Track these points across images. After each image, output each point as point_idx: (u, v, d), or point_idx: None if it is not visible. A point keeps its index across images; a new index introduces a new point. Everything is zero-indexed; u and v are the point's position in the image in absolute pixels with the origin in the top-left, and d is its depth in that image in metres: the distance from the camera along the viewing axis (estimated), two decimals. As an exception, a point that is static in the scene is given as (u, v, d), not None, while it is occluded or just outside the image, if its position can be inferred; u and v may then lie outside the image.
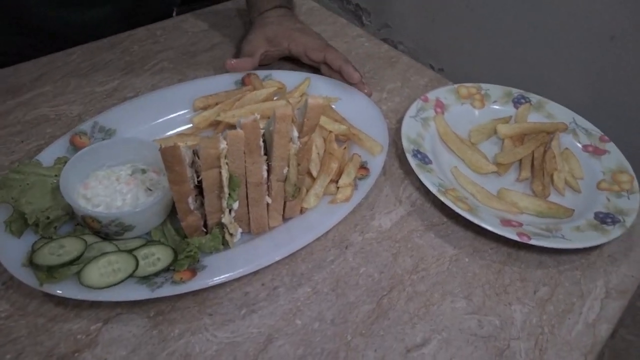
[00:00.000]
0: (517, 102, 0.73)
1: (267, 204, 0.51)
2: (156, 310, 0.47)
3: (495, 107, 0.72)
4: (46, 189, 0.50)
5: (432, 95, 0.71)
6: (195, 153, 0.46)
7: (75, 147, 0.56)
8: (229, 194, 0.48)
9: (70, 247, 0.45)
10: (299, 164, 0.50)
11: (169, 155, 0.43)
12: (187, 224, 0.49)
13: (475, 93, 0.73)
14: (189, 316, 0.47)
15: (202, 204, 0.48)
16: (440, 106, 0.70)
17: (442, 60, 1.01)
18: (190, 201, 0.47)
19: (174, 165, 0.44)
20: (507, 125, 0.69)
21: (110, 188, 0.52)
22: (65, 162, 0.51)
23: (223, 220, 0.48)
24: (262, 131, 0.47)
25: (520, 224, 0.56)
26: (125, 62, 0.74)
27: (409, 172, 0.63)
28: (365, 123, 0.64)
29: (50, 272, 0.43)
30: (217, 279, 0.46)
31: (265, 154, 0.49)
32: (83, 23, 0.79)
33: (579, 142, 0.68)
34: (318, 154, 0.58)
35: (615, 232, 0.55)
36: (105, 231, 0.48)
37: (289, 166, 0.49)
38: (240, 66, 0.68)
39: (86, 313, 0.46)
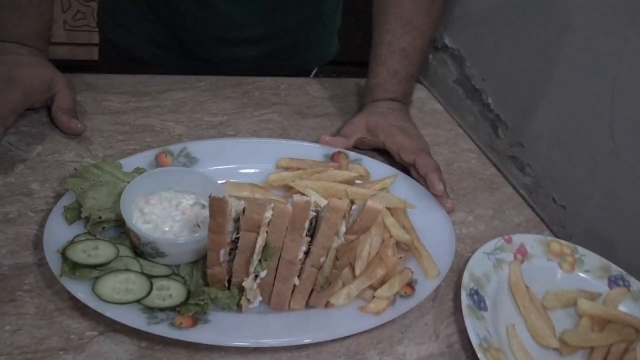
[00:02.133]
0: (613, 282, 0.64)
1: (295, 285, 0.50)
2: (149, 342, 0.47)
3: (585, 277, 0.64)
4: (114, 191, 0.54)
5: (517, 238, 0.65)
6: (243, 210, 0.46)
7: (157, 164, 0.60)
8: (259, 261, 0.47)
9: (102, 251, 0.47)
10: (337, 259, 0.48)
11: (215, 205, 0.44)
12: (212, 273, 0.48)
13: (568, 254, 0.65)
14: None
15: (232, 260, 0.48)
16: (522, 253, 0.64)
17: (568, 199, 0.89)
18: (222, 253, 0.47)
19: (217, 215, 0.44)
20: (592, 303, 0.60)
21: (166, 211, 0.54)
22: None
23: (244, 284, 0.47)
24: (314, 213, 0.46)
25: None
26: (241, 102, 0.79)
27: (459, 309, 0.57)
28: (433, 240, 0.61)
29: (74, 268, 0.45)
30: (212, 340, 0.45)
31: (311, 235, 0.48)
32: (231, 57, 0.87)
33: (673, 355, 0.57)
34: (369, 253, 0.56)
35: None
36: (142, 249, 0.50)
37: (326, 257, 0.47)
38: (333, 143, 0.69)
39: (89, 318, 0.47)
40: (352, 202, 0.52)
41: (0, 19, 0.64)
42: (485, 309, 0.56)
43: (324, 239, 0.46)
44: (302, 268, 0.49)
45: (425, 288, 0.55)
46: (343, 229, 0.46)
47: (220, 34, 0.84)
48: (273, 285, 0.50)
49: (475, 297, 0.56)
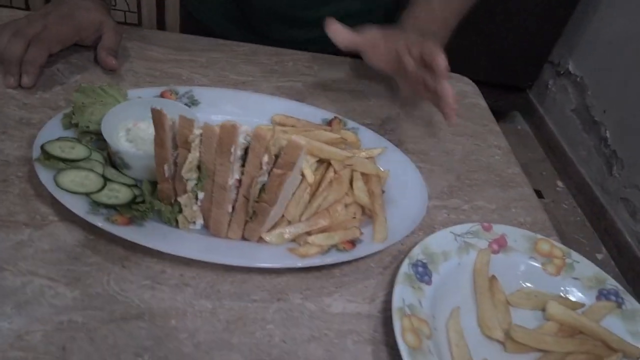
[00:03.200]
0: (603, 295, 0.56)
1: (231, 214, 0.52)
2: (95, 235, 0.52)
3: (570, 283, 0.57)
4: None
5: (499, 228, 0.60)
6: (184, 129, 0.50)
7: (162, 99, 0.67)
8: (197, 181, 0.51)
9: (76, 151, 0.55)
10: (264, 191, 0.49)
11: (156, 117, 0.48)
12: (161, 188, 0.53)
13: (557, 256, 0.59)
14: (111, 255, 0.51)
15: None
16: (500, 244, 0.59)
17: None
18: (166, 168, 0.51)
19: (158, 128, 0.49)
20: (562, 308, 0.54)
21: (150, 136, 0.60)
22: (138, 102, 0.62)
23: (179, 199, 0.51)
24: (246, 142, 0.49)
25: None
26: (271, 69, 0.84)
27: (407, 281, 0.55)
28: (401, 213, 0.59)
29: (47, 158, 0.53)
30: (134, 238, 0.49)
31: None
32: (298, 39, 0.92)
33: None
34: (319, 205, 0.56)
35: None
36: (113, 159, 0.57)
37: (252, 187, 0.49)
38: (339, 33, 0.65)
39: (55, 205, 0.54)
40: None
41: None
42: (428, 282, 0.53)
43: (251, 167, 0.49)
44: (237, 198, 0.51)
45: (365, 249, 0.54)
46: (266, 159, 0.48)
47: (285, 14, 0.90)
48: (211, 210, 0.53)
49: (420, 269, 0.54)
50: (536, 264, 0.59)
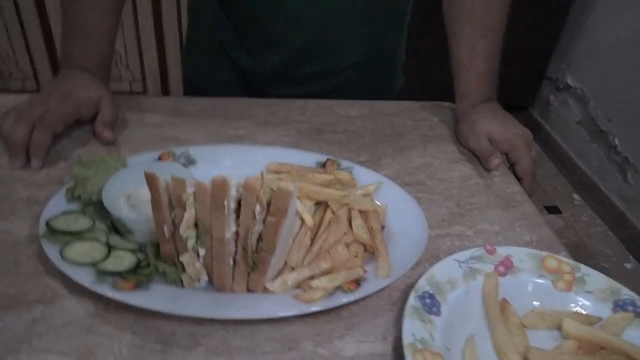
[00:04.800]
0: (620, 307, 0.55)
1: (233, 267, 0.53)
2: (105, 305, 0.53)
3: (584, 298, 0.56)
4: (113, 181, 0.63)
5: (504, 250, 0.60)
6: (180, 190, 0.52)
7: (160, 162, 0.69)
8: (196, 238, 0.52)
9: (80, 223, 0.57)
10: (261, 241, 0.50)
11: (149, 180, 0.50)
12: (164, 250, 0.54)
13: (566, 272, 0.58)
14: (121, 323, 0.52)
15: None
16: (506, 266, 0.59)
17: None
18: (166, 229, 0.53)
19: (153, 191, 0.50)
20: (578, 324, 0.53)
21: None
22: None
23: (181, 259, 0.52)
24: (237, 194, 0.50)
25: None
26: (265, 120, 0.86)
27: (416, 314, 0.55)
28: (404, 246, 0.59)
29: (53, 234, 0.55)
30: (140, 302, 0.50)
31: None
32: (294, 94, 0.96)
33: (678, 397, 0.47)
34: (321, 247, 0.57)
35: None
36: (116, 226, 0.58)
37: (248, 238, 0.50)
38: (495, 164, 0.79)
39: (64, 278, 0.55)
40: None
41: (70, 52, 0.81)
42: (437, 314, 0.53)
43: (244, 218, 0.50)
44: (236, 250, 0.52)
45: (371, 286, 0.54)
46: (258, 209, 0.49)
47: (287, 71, 0.94)
48: (213, 265, 0.54)
49: (428, 300, 0.53)
50: (545, 282, 0.58)
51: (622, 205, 2.15)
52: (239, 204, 0.51)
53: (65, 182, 0.69)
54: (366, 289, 0.54)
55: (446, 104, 0.97)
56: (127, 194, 0.62)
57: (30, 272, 0.57)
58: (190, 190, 0.49)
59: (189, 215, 0.50)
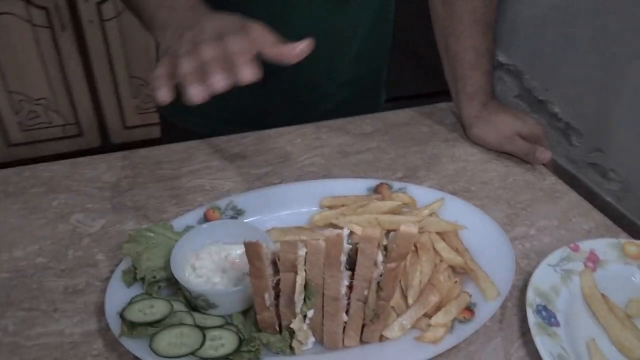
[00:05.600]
0: None
1: (345, 322, 0.49)
2: (210, 394, 0.48)
3: (673, 278, 0.58)
4: (166, 251, 0.57)
5: (586, 245, 0.60)
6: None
7: (206, 220, 0.63)
8: (304, 301, 0.47)
9: (157, 309, 0.50)
10: (381, 289, 0.47)
11: (250, 250, 0.45)
12: (262, 318, 0.49)
13: (648, 254, 0.59)
14: (235, 412, 0.47)
15: (279, 303, 0.49)
16: (593, 260, 0.59)
17: None
18: (267, 297, 0.48)
19: (254, 260, 0.45)
20: (683, 306, 0.54)
21: (216, 263, 0.56)
22: (190, 231, 0.58)
23: (292, 326, 0.47)
24: (350, 246, 0.46)
25: None
26: (284, 151, 0.82)
27: (529, 329, 0.53)
28: (491, 260, 0.58)
29: (132, 327, 0.48)
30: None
31: (353, 269, 0.47)
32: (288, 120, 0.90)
33: None
34: (420, 281, 0.54)
35: None
36: (194, 303, 0.52)
37: (369, 289, 0.46)
38: (546, 157, 0.77)
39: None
40: (388, 231, 0.51)
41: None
42: (557, 324, 0.52)
43: (363, 270, 0.46)
44: (348, 303, 0.48)
45: (485, 310, 0.52)
46: (380, 258, 0.46)
47: (284, 100, 0.88)
48: (323, 324, 0.49)
49: (544, 313, 0.52)
50: (634, 269, 0.59)
51: (571, 167, 2.30)
52: (348, 256, 0.47)
53: (99, 261, 0.61)
54: (483, 315, 0.52)
55: (444, 104, 0.97)
56: (191, 264, 0.56)
57: (107, 376, 0.49)
58: (302, 252, 0.45)
59: (300, 278, 0.45)
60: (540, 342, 0.49)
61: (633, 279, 0.58)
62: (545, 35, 2.32)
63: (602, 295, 0.56)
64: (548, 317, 0.52)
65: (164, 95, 0.49)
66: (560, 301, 0.55)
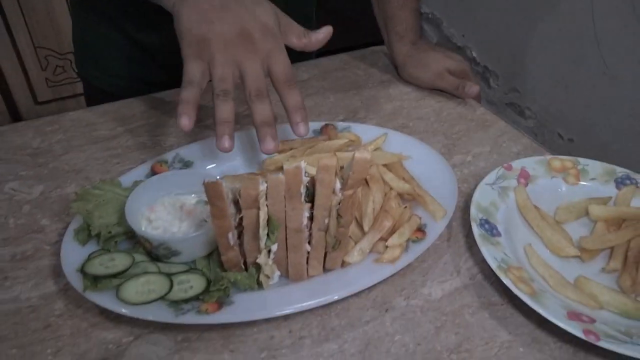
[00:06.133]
0: (620, 183, 0.64)
1: (308, 252, 0.51)
2: (183, 336, 0.48)
3: (592, 185, 0.65)
4: (118, 207, 0.55)
5: (517, 164, 0.65)
6: (239, 192, 0.48)
7: (155, 174, 0.62)
8: (268, 236, 0.48)
9: (119, 261, 0.49)
10: (340, 216, 0.49)
11: (211, 190, 0.45)
12: (227, 258, 0.50)
13: (570, 167, 0.66)
14: (212, 348, 0.48)
15: (242, 242, 0.50)
16: (524, 177, 0.65)
17: (572, 130, 0.90)
18: (230, 237, 0.48)
19: (216, 200, 0.46)
20: (603, 207, 0.61)
21: (172, 214, 0.56)
22: (140, 185, 0.57)
23: (258, 261, 0.49)
24: (307, 178, 0.48)
25: (593, 321, 0.48)
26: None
27: (475, 243, 0.58)
28: (436, 185, 0.62)
29: (96, 281, 0.47)
30: (238, 317, 0.46)
31: (311, 200, 0.49)
32: None
33: (694, 238, 0.57)
34: (374, 209, 0.57)
35: None
36: (156, 253, 0.52)
37: (329, 217, 0.48)
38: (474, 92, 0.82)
39: (122, 326, 0.49)
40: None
41: None
42: (498, 234, 0.57)
43: (322, 199, 0.48)
44: (310, 234, 0.50)
45: (434, 230, 0.56)
46: (338, 185, 0.47)
47: None
48: (287, 257, 0.51)
49: (487, 225, 0.57)
50: (559, 181, 0.65)
51: (490, 108, 2.43)
52: (306, 188, 0.48)
53: (45, 226, 0.59)
54: (433, 234, 0.56)
55: (376, 48, 0.99)
56: (146, 217, 0.55)
57: (73, 332, 0.48)
58: (263, 187, 0.46)
59: (263, 213, 0.46)
60: (486, 250, 0.53)
61: (559, 189, 0.64)
62: (460, -18, 2.39)
63: (535, 206, 0.62)
64: (490, 229, 0.57)
65: (188, 124, 0.53)
66: (499, 215, 0.60)
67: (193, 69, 0.55)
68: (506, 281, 0.50)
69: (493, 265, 0.52)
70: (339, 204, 0.49)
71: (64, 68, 2.12)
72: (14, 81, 2.08)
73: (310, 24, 1.02)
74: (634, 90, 0.70)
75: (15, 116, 2.16)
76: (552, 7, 1.03)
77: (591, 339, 0.45)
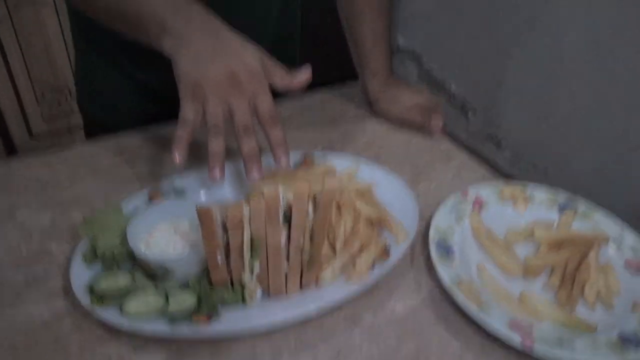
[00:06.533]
0: (562, 208, 0.73)
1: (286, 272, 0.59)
2: (177, 345, 0.55)
3: (538, 210, 0.73)
4: (120, 231, 0.63)
5: (472, 191, 0.74)
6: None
7: (152, 201, 0.69)
8: (251, 255, 0.56)
9: (121, 280, 0.57)
10: (313, 235, 0.57)
11: (203, 214, 0.53)
12: (216, 278, 0.57)
13: (519, 195, 0.75)
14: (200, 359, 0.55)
15: (229, 262, 0.57)
16: (479, 203, 0.73)
17: (546, 160, 0.93)
18: (219, 257, 0.56)
19: (207, 223, 0.53)
20: (545, 231, 0.69)
21: (166, 239, 0.63)
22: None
23: (244, 279, 0.56)
24: (285, 201, 0.56)
25: (531, 330, 0.56)
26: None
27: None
28: (401, 211, 0.70)
29: (102, 299, 0.54)
30: (226, 331, 0.54)
31: (288, 222, 0.57)
32: None
33: (623, 257, 0.66)
34: (345, 231, 0.65)
35: (634, 356, 0.53)
36: (154, 273, 0.59)
37: (304, 237, 0.56)
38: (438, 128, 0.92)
39: (123, 339, 0.55)
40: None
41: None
42: (453, 254, 0.65)
43: (298, 220, 0.55)
44: (288, 253, 0.58)
45: (398, 251, 0.64)
46: (311, 209, 0.55)
47: None
48: (268, 276, 0.58)
49: (443, 246, 0.65)
50: (509, 207, 0.74)
51: (471, 141, 2.55)
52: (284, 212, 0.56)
53: (54, 251, 0.66)
54: (397, 254, 0.64)
55: (354, 82, 1.08)
56: (145, 242, 0.62)
57: (82, 346, 0.55)
58: (246, 210, 0.53)
59: (247, 234, 0.54)
60: (440, 267, 0.62)
61: (509, 214, 0.73)
62: (440, 21, 2.53)
63: (487, 229, 0.70)
64: (446, 249, 0.65)
65: (179, 159, 0.62)
66: (455, 237, 0.68)
67: (188, 109, 0.63)
68: (456, 293, 0.58)
69: (446, 280, 0.60)
70: (312, 226, 0.57)
71: (60, 102, 2.20)
72: (9, 114, 2.15)
73: (294, 63, 1.11)
74: (606, 122, 0.76)
75: (9, 149, 2.22)
76: (524, 44, 1.12)
77: (527, 343, 0.53)
